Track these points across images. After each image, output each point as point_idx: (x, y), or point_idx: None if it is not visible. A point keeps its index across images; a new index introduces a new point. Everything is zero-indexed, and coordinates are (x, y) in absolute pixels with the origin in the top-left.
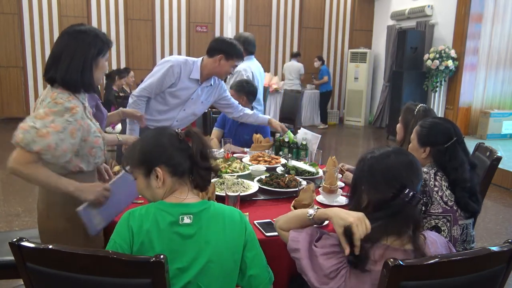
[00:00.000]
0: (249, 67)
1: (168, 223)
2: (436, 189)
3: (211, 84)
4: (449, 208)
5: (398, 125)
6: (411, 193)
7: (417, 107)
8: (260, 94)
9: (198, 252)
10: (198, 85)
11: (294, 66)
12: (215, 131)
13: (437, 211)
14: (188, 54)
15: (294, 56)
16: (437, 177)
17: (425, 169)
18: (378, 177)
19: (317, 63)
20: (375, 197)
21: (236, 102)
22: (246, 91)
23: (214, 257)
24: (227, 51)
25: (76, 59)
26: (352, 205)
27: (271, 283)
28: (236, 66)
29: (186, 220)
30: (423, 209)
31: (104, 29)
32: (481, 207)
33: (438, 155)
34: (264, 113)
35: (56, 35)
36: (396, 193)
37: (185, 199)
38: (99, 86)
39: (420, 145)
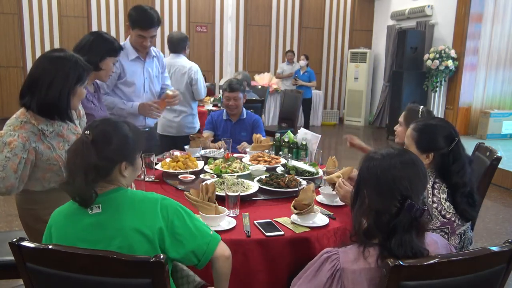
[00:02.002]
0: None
1: (76, 209)
2: (435, 205)
3: (153, 56)
4: (447, 220)
5: (400, 128)
6: (415, 207)
7: (420, 109)
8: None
9: (110, 239)
10: (142, 61)
11: None
12: (206, 134)
13: (435, 225)
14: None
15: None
16: (435, 191)
17: None
18: (383, 187)
19: (303, 62)
20: (376, 206)
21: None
22: (242, 89)
23: (126, 243)
24: (130, 20)
25: (53, 87)
26: (356, 205)
27: (211, 249)
28: (144, 36)
29: (96, 209)
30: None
31: (104, 29)
32: (478, 210)
33: (441, 159)
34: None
35: (56, 35)
36: (400, 207)
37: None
38: (97, 84)
39: (422, 151)
